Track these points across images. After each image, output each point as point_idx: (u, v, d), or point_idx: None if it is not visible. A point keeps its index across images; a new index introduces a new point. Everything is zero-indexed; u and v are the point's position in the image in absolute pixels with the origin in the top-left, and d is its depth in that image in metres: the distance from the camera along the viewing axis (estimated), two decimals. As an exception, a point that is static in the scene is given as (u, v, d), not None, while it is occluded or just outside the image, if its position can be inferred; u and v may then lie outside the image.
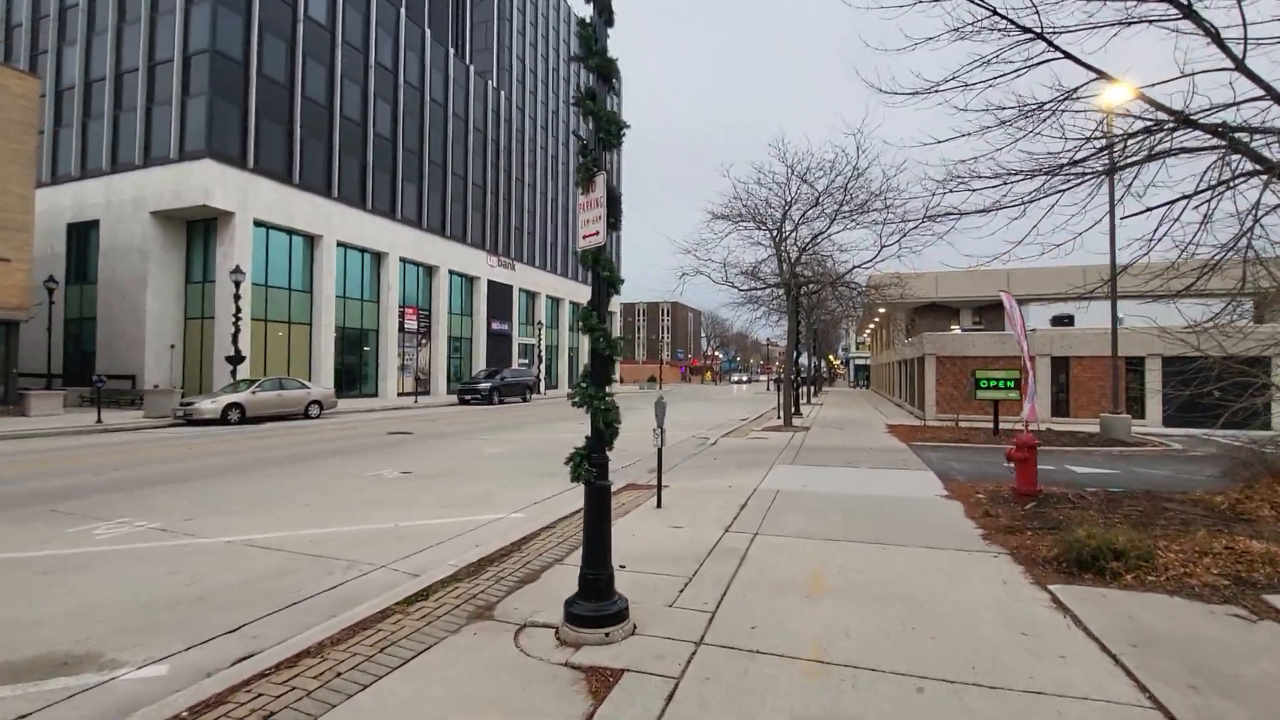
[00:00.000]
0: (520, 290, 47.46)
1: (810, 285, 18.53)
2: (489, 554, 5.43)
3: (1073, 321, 22.17)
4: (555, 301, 53.87)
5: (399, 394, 33.37)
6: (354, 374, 32.18)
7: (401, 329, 34.63)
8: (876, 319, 44.75)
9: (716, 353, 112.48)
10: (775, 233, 17.87)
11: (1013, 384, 14.52)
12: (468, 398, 30.03)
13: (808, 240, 17.98)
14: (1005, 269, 30.37)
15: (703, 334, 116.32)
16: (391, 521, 6.88)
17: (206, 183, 24.51)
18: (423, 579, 4.77)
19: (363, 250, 32.27)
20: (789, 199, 17.40)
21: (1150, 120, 6.92)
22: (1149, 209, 7.41)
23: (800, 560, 5.15)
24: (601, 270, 3.92)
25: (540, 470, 10.60)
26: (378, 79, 33.00)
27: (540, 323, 48.53)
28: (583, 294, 58.20)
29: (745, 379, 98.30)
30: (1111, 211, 14.01)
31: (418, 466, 10.80)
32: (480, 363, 41.05)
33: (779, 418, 20.06)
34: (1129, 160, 7.20)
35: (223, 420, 17.82)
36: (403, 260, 34.83)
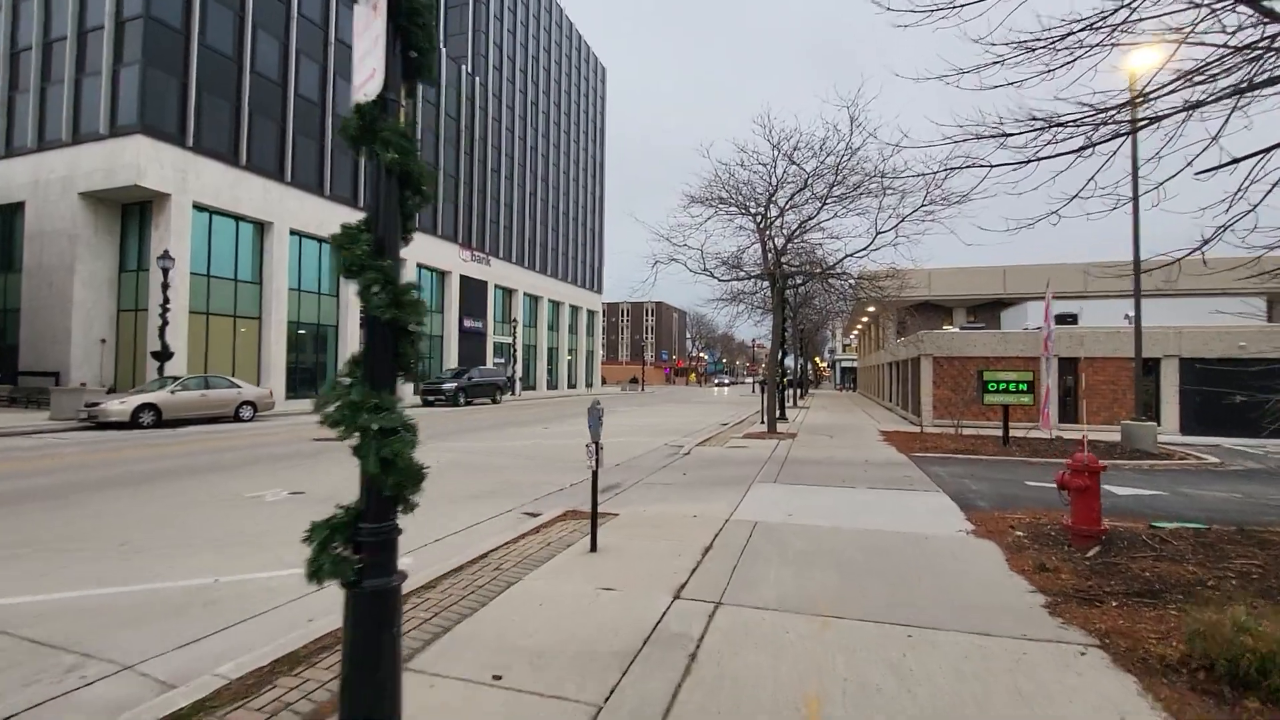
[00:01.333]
0: (496, 287, 45.38)
1: (797, 277, 16.75)
2: (308, 642, 3.51)
3: (1076, 320, 20.58)
4: (534, 299, 51.82)
5: (360, 394, 31.19)
6: (311, 373, 29.97)
7: (364, 325, 32.42)
8: (864, 319, 43.22)
9: (702, 354, 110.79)
10: (759, 218, 16.08)
11: (1025, 387, 12.82)
12: (431, 399, 27.97)
13: (795, 227, 16.20)
14: (1002, 266, 28.89)
15: (688, 335, 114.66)
16: (214, 575, 4.92)
17: (140, 161, 22.29)
18: (154, 705, 2.84)
19: (320, 240, 30.08)
20: (774, 182, 15.62)
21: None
22: (1234, 161, 5.64)
23: (784, 663, 3.28)
24: (384, 151, 2.03)
25: (469, 490, 8.69)
26: (339, 57, 30.85)
27: (515, 320, 46.47)
28: (565, 293, 56.31)
29: (730, 381, 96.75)
30: (1135, 185, 12.31)
31: (318, 485, 8.83)
32: (452, 361, 38.94)
33: (762, 422, 18.28)
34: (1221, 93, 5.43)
35: (133, 423, 15.69)
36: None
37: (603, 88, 66.72)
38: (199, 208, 24.46)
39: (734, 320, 23.95)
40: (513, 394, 42.28)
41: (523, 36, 49.93)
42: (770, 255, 16.03)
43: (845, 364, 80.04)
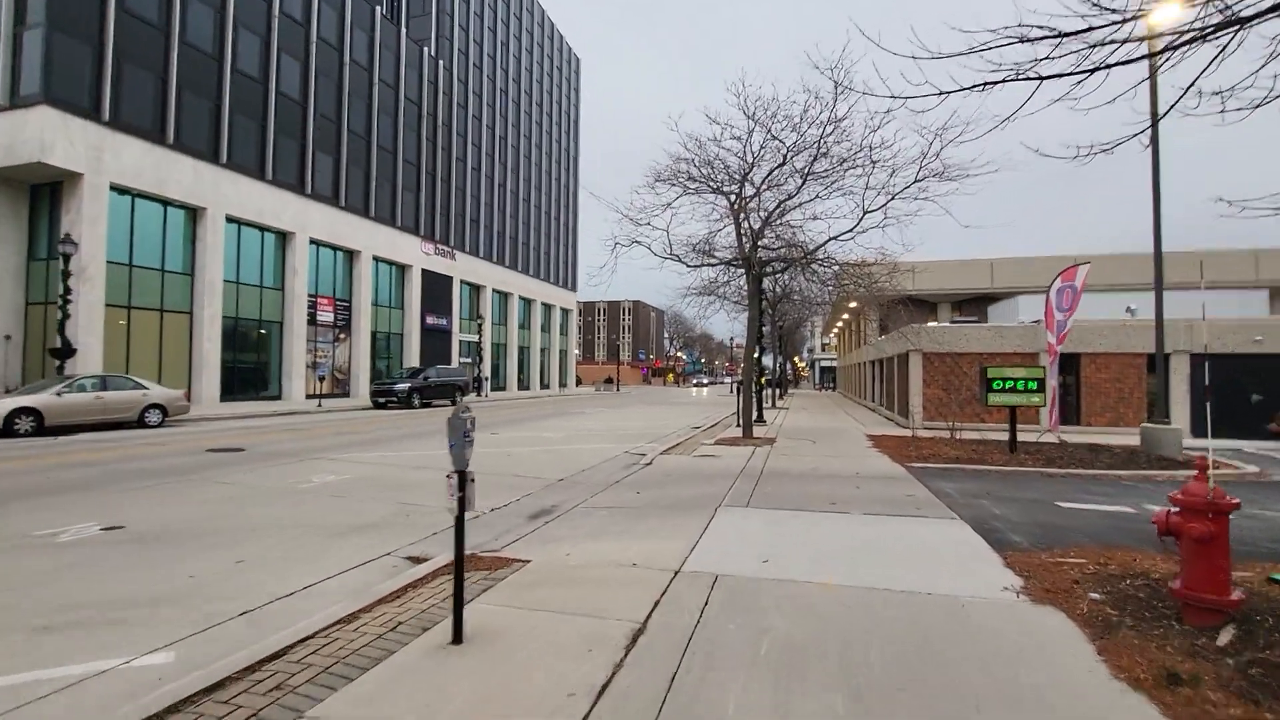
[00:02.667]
0: (462, 283, 43.15)
1: (776, 264, 14.96)
2: None
3: None
4: (503, 296, 49.65)
5: (308, 396, 28.87)
6: (250, 373, 27.58)
7: (313, 321, 30.15)
8: (845, 316, 41.79)
9: (680, 354, 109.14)
10: (733, 197, 14.28)
11: (1035, 385, 11.17)
12: (382, 400, 25.78)
13: (773, 208, 14.42)
14: (989, 259, 27.47)
15: (666, 335, 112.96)
16: None
17: (44, 135, 19.85)
18: None
19: (262, 228, 27.73)
20: (750, 158, 13.82)
21: None
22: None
23: None
24: None
25: (358, 518, 6.74)
26: (284, 32, 28.51)
27: (482, 318, 44.27)
28: (537, 290, 54.22)
29: (708, 381, 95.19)
30: (1155, 172, 10.79)
31: (160, 514, 6.80)
32: (413, 360, 36.70)
33: (738, 425, 16.51)
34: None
35: (6, 431, 13.41)
36: (314, 242, 30.34)
37: (576, 79, 64.70)
38: (118, 189, 22.04)
39: (704, 310, 22.09)
40: (480, 395, 40.13)
41: (491, 21, 47.74)
42: (745, 238, 14.23)
43: (824, 363, 78.92)
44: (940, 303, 29.14)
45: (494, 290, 47.54)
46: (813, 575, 4.62)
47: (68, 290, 17.74)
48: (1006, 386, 11.22)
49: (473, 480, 3.56)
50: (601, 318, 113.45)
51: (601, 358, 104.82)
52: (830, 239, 13.78)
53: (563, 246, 60.51)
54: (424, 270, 38.48)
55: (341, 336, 32.54)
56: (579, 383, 74.78)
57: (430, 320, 39.07)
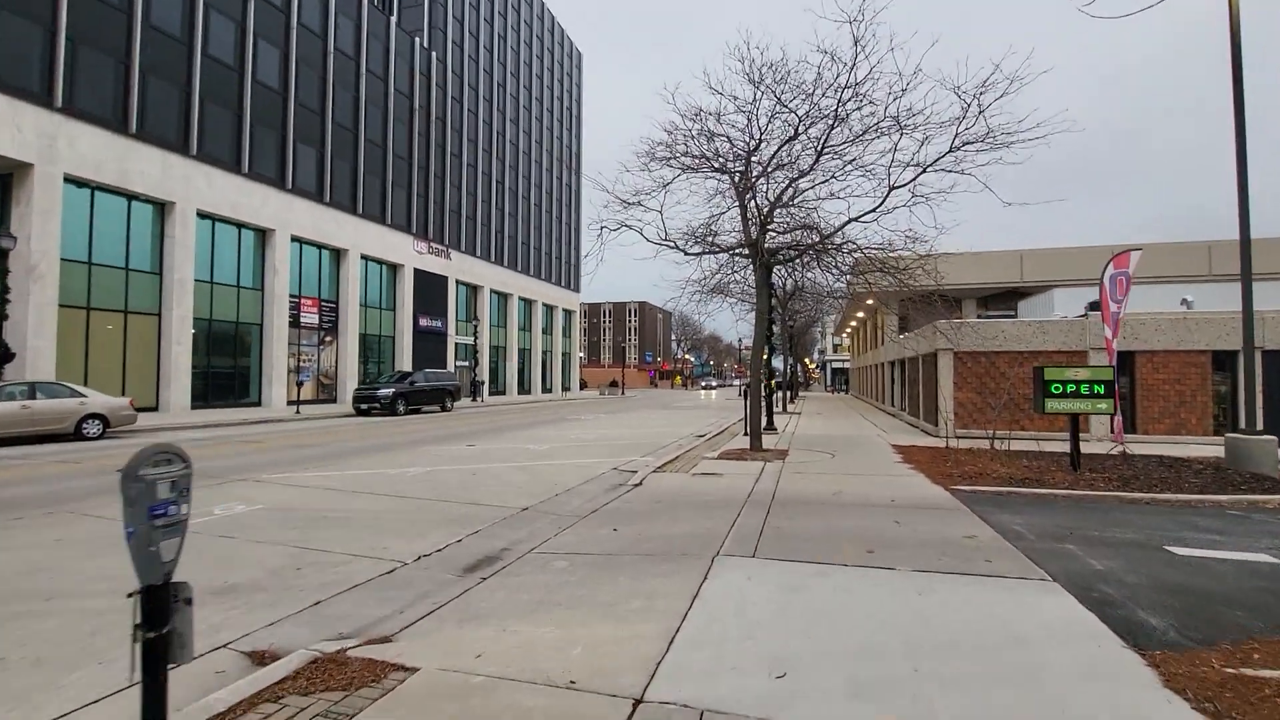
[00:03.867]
0: (458, 283, 41.54)
1: (787, 251, 13.08)
2: None
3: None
4: (503, 297, 48.02)
5: (289, 402, 27.24)
6: (227, 378, 26.01)
7: (295, 323, 28.57)
8: (860, 314, 39.81)
9: (688, 356, 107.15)
10: (738, 177, 12.45)
11: (1102, 389, 9.24)
12: (364, 407, 24.11)
13: (784, 186, 12.57)
14: (1018, 250, 25.44)
15: (673, 336, 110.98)
16: None
17: (-9, 123, 18.36)
18: None
19: (239, 225, 26.17)
20: (757, 133, 11.99)
21: None
22: None
23: None
24: None
25: (210, 580, 4.96)
26: (261, 17, 26.97)
27: (478, 320, 42.60)
28: (539, 291, 52.60)
29: (717, 384, 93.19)
30: None
31: (-42, 571, 5.06)
32: (405, 364, 35.09)
33: (745, 433, 14.67)
34: None
35: (-90, 446, 11.79)
36: (297, 240, 28.76)
37: (578, 73, 63.06)
38: (75, 182, 20.51)
39: (705, 306, 19.86)
40: (476, 399, 38.49)
41: (487, 12, 46.19)
42: (752, 222, 12.39)
43: (836, 364, 76.81)
44: (965, 298, 27.13)
45: (492, 291, 45.92)
46: (856, 714, 2.78)
47: (6, 289, 16.15)
48: (1068, 390, 9.31)
49: (188, 602, 1.75)
50: (607, 320, 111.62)
51: (608, 360, 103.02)
52: (849, 220, 11.92)
53: (565, 246, 58.84)
54: (417, 270, 36.88)
55: (328, 339, 30.94)
56: (583, 386, 73.04)
57: (424, 322, 37.44)
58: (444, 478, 9.94)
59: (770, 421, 17.13)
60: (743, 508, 7.30)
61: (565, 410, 31.16)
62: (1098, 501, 7.71)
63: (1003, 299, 26.45)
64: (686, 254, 12.37)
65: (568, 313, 59.58)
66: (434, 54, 39.28)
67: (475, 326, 42.83)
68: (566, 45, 60.59)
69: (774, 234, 12.83)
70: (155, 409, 22.22)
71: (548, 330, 55.52)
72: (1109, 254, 21.11)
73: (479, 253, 44.04)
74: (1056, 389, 9.40)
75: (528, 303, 51.70)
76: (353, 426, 19.75)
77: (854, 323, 43.52)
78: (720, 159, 12.56)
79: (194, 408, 23.63)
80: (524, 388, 51.09)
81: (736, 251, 12.81)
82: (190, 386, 23.54)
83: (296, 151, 28.47)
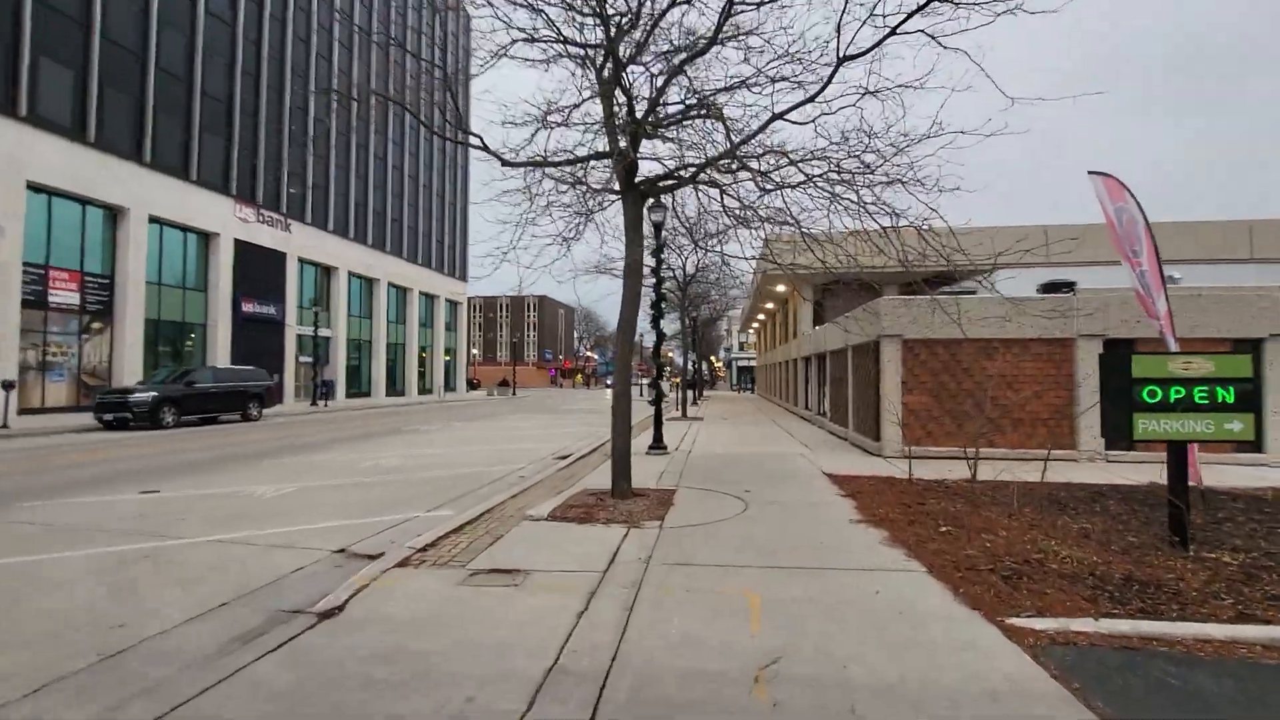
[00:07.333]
0: (302, 261, 34.38)
1: (679, 170, 8.18)
2: None
3: (1073, 289, 13.55)
4: (367, 283, 41.00)
5: (20, 411, 19.75)
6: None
7: (40, 303, 21.06)
8: (768, 307, 36.27)
9: (591, 353, 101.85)
10: (600, 58, 7.52)
11: (1231, 396, 5.02)
12: (110, 418, 17.31)
13: (670, 73, 7.76)
14: (942, 227, 22.19)
15: (575, 333, 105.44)
16: None
17: None
18: None
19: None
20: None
21: None
22: None
23: None
24: None
25: None
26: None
27: (320, 308, 35.50)
28: (415, 277, 45.82)
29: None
30: None
31: None
32: (223, 358, 27.82)
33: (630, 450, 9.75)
34: None
35: None
36: (39, 189, 21.18)
37: (465, 37, 56.26)
38: None
39: (536, 264, 12.92)
40: (320, 403, 31.64)
41: (346, -57, 38.98)
42: (620, 123, 7.46)
43: (742, 363, 74.27)
44: (885, 284, 23.60)
45: (352, 274, 38.86)
46: None
47: None
48: (1173, 399, 5.00)
49: None
50: (503, 314, 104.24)
51: (505, 358, 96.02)
52: (774, 116, 7.25)
53: (448, 227, 52.14)
54: (240, 241, 29.59)
55: (95, 326, 23.40)
56: (475, 386, 66.31)
57: (250, 307, 30.18)
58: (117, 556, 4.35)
59: (659, 437, 12.35)
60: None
61: (431, 416, 25.27)
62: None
63: (928, 285, 23.18)
64: (504, 162, 7.24)
65: (452, 304, 52.92)
66: (269, -21, 31.96)
67: (327, 316, 35.76)
68: None
69: (658, 134, 7.92)
70: None
71: (427, 323, 48.74)
72: (1037, 235, 17.91)
73: (333, 227, 36.91)
74: (1154, 395, 5.06)
75: (401, 290, 44.79)
76: (66, 449, 13.25)
77: (761, 315, 40.05)
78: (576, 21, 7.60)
79: None
80: (396, 388, 44.21)
81: (592, 158, 7.76)
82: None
83: (37, 67, 20.88)
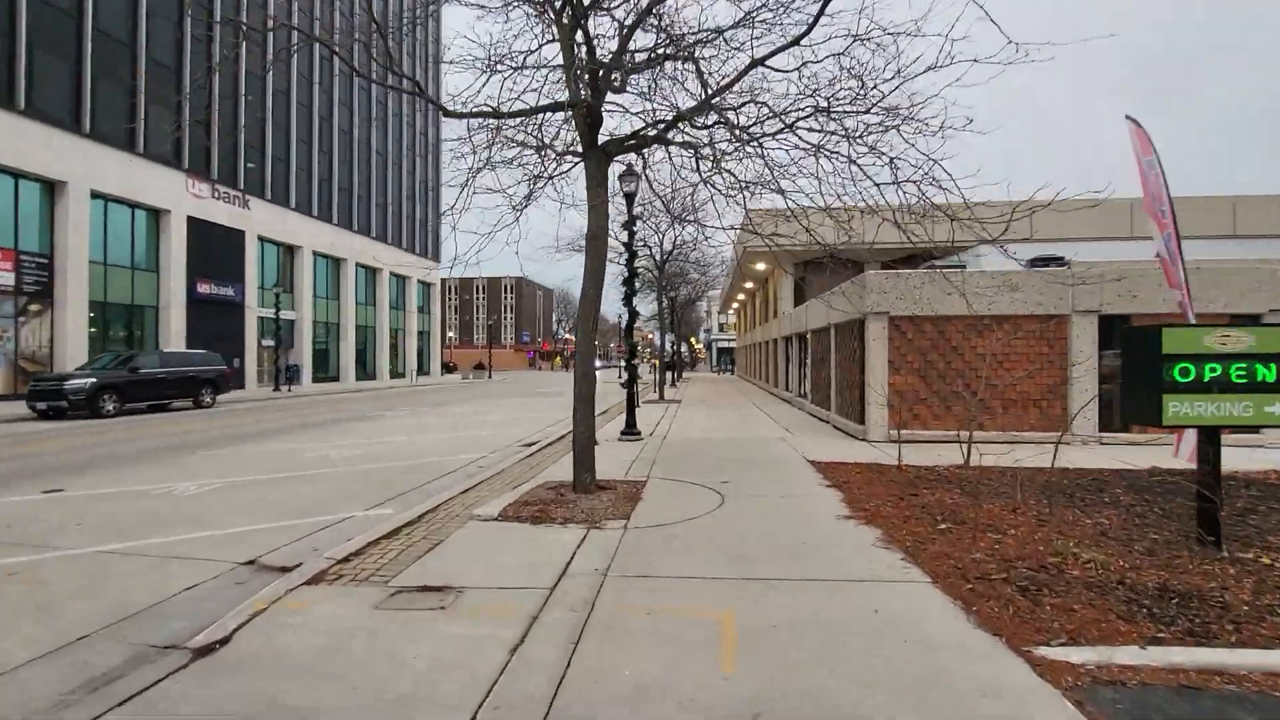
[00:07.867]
0: (263, 240, 32.85)
1: (650, 125, 7.32)
2: None
3: (1063, 263, 13.00)
4: (334, 263, 39.52)
5: (-50, 398, 18.42)
6: None
7: None
8: (747, 287, 35.59)
9: (570, 335, 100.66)
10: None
11: (1274, 373, 4.39)
12: (44, 407, 16.11)
13: (637, 17, 6.87)
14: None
15: (554, 316, 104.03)
16: None
17: None
18: None
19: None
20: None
21: None
22: None
23: None
24: None
25: None
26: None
27: (282, 288, 34.04)
28: (386, 257, 44.34)
29: (600, 365, 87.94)
30: None
31: None
32: (177, 342, 26.43)
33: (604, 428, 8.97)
34: None
35: None
36: (-37, 160, 19.63)
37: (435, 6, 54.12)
38: None
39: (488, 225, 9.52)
40: (283, 388, 30.40)
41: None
42: (578, 67, 6.58)
43: (723, 344, 73.76)
44: (869, 263, 23.01)
45: (317, 254, 37.36)
46: None
47: None
48: (1208, 377, 4.34)
49: None
50: (480, 296, 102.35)
51: (482, 341, 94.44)
52: (755, 62, 6.42)
53: (420, 205, 50.53)
54: (194, 219, 28.04)
55: (33, 308, 21.95)
56: (451, 370, 65.08)
57: (205, 289, 28.72)
58: None
59: (632, 422, 11.60)
60: None
61: (399, 401, 24.28)
62: None
63: (906, 263, 22.63)
64: (445, 112, 6.33)
65: (425, 285, 51.47)
66: (218, -62, 30.00)
67: (290, 298, 34.34)
68: (419, -30, 51.64)
69: (623, 81, 7.04)
70: None
71: (398, 305, 47.32)
72: (1006, 210, 17.39)
73: (295, 204, 35.31)
74: (1186, 374, 4.40)
75: (370, 271, 43.30)
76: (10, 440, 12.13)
77: (742, 295, 39.38)
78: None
79: None
80: (367, 372, 42.91)
81: (546, 109, 6.86)
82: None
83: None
